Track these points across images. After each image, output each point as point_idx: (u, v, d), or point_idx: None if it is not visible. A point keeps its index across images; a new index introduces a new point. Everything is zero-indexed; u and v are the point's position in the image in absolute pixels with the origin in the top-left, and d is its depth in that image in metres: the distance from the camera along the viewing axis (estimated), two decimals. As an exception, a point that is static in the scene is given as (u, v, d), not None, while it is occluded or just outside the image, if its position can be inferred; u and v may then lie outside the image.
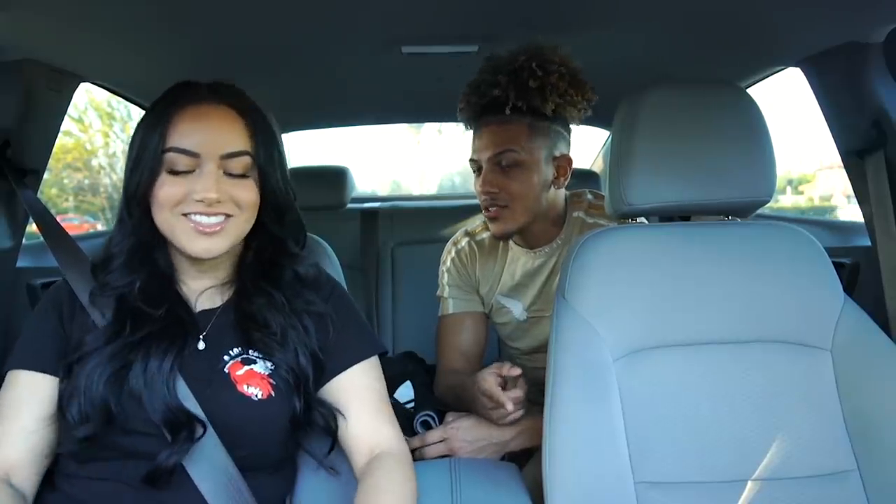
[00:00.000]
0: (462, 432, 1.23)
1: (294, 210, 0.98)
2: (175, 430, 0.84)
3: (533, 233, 1.38)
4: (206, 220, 0.88)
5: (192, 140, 0.88)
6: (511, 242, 1.44)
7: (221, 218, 0.89)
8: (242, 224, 0.92)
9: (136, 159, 0.89)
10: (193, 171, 0.88)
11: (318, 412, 0.93)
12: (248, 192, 0.91)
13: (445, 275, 1.50)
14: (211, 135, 0.88)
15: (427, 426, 1.28)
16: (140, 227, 0.91)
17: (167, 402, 0.85)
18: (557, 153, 1.34)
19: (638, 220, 1.32)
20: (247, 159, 0.90)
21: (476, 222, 1.53)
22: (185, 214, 0.88)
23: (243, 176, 0.90)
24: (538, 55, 1.28)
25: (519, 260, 1.42)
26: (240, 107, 0.92)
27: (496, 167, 1.33)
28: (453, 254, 1.50)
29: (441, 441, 1.23)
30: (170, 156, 0.88)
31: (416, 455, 1.22)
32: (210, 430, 0.87)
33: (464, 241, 1.49)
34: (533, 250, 1.40)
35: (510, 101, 1.28)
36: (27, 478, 0.88)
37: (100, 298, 0.91)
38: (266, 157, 0.92)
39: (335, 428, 0.94)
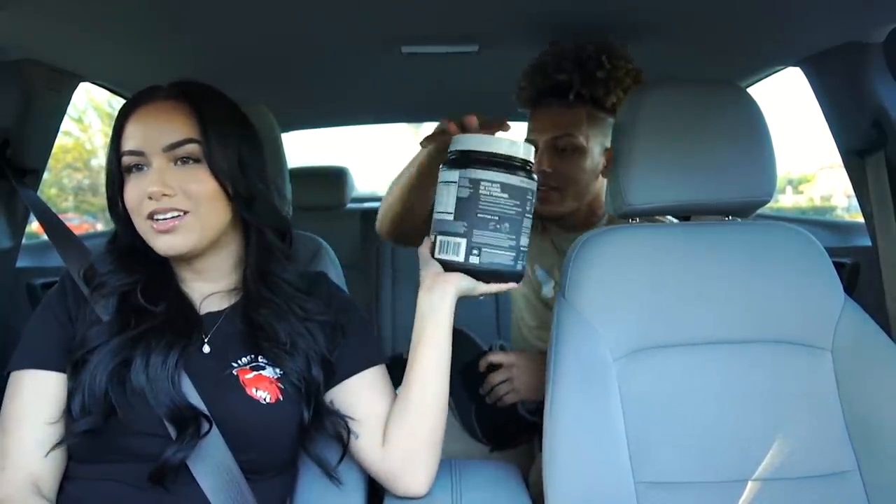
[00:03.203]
0: (527, 360, 1.31)
1: (265, 198, 0.95)
2: (181, 427, 0.84)
3: (575, 218, 1.40)
4: (161, 217, 0.88)
5: (135, 139, 0.89)
6: (550, 224, 1.45)
7: (176, 214, 0.87)
8: (205, 219, 0.89)
9: (107, 171, 0.92)
10: (147, 168, 0.89)
11: (328, 420, 0.93)
12: (198, 183, 0.88)
13: None
14: (152, 130, 0.88)
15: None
16: (129, 236, 0.92)
17: (172, 398, 0.84)
18: (609, 145, 1.35)
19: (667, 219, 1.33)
20: (192, 147, 0.88)
21: None
22: (148, 218, 0.88)
23: (196, 163, 0.89)
24: (607, 49, 1.32)
25: (560, 243, 1.44)
26: (191, 98, 0.91)
27: (552, 149, 1.35)
28: None
29: (507, 367, 1.31)
30: (124, 160, 0.89)
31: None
32: (214, 428, 0.86)
33: None
34: (570, 234, 1.41)
35: (574, 88, 1.32)
36: (52, 486, 0.88)
37: (101, 297, 0.91)
38: (217, 143, 0.89)
39: (347, 438, 0.94)
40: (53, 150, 1.49)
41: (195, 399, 0.87)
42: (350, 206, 2.40)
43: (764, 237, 1.11)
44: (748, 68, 1.58)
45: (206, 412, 0.86)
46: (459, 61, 1.56)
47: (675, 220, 1.38)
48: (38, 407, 0.88)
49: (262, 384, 0.90)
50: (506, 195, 0.89)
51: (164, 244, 0.88)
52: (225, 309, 0.96)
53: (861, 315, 1.06)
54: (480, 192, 0.88)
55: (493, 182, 0.88)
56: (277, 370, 0.91)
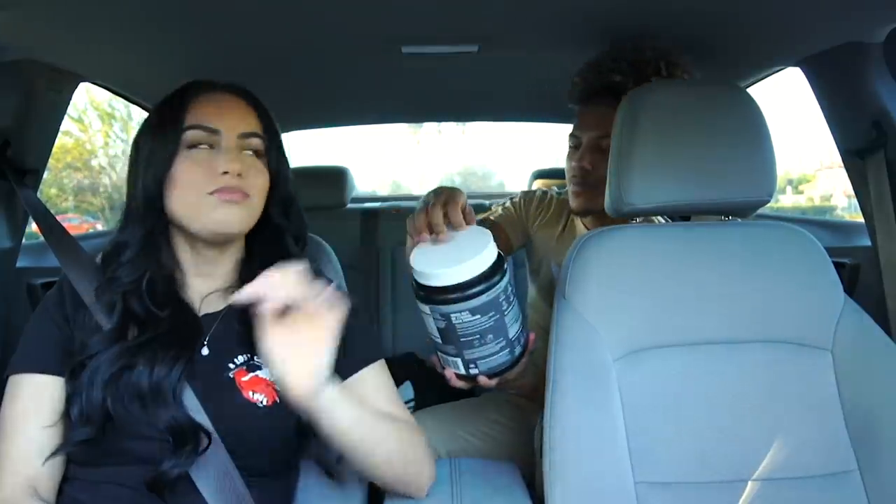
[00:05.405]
0: None
1: (297, 205, 1.00)
2: (180, 441, 0.84)
3: (609, 220, 1.35)
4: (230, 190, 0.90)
5: (210, 117, 0.91)
6: (577, 221, 1.45)
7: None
8: (254, 209, 0.93)
9: (152, 145, 0.90)
10: (213, 148, 0.90)
11: None
12: (261, 176, 0.93)
13: (500, 209, 1.51)
14: (228, 114, 0.92)
15: None
16: (151, 219, 0.91)
17: (173, 413, 0.84)
18: None
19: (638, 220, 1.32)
20: (258, 141, 0.93)
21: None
22: (210, 193, 0.89)
23: (257, 157, 0.93)
24: (666, 56, 1.32)
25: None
26: (249, 98, 0.96)
27: (595, 147, 1.36)
28: (519, 196, 1.52)
29: None
30: (190, 133, 0.90)
31: None
32: (215, 436, 0.86)
33: (538, 193, 1.52)
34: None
35: (628, 90, 1.28)
36: (50, 489, 0.88)
37: (106, 296, 0.90)
38: (275, 144, 0.96)
39: None
40: (53, 151, 1.49)
41: (197, 413, 0.86)
42: (350, 206, 2.39)
43: (764, 237, 1.11)
44: (748, 68, 1.58)
45: (208, 426, 0.86)
46: (459, 61, 1.56)
47: (663, 220, 1.37)
48: (37, 411, 0.88)
49: (258, 387, 0.90)
50: (478, 315, 0.91)
51: (223, 215, 0.89)
52: (222, 309, 0.96)
53: (861, 315, 1.06)
54: (454, 322, 0.92)
55: (461, 312, 0.91)
56: None
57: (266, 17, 1.24)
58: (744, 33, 1.36)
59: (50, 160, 1.50)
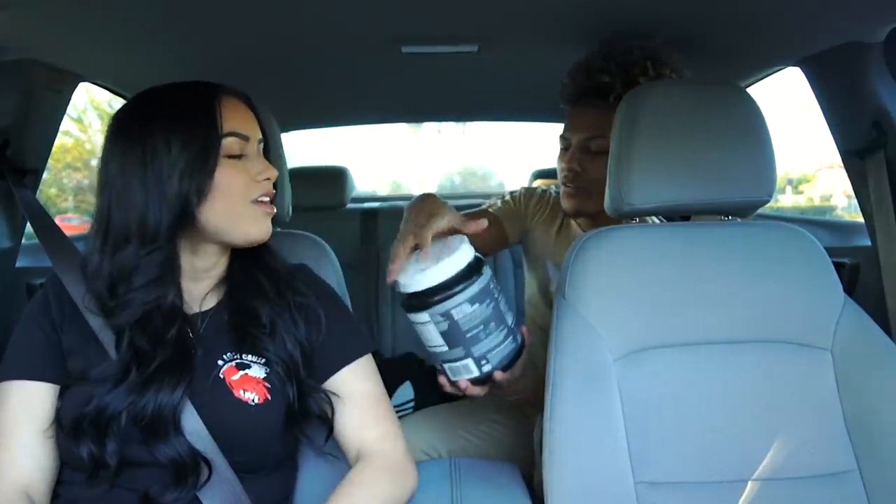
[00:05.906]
0: None
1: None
2: (181, 474, 0.84)
3: (602, 221, 1.35)
4: (265, 200, 0.92)
5: (240, 125, 0.91)
6: (573, 221, 1.45)
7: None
8: None
9: (189, 154, 0.86)
10: (241, 157, 0.90)
11: (312, 399, 0.93)
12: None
13: (499, 202, 1.50)
14: (250, 120, 0.93)
15: None
16: (175, 235, 0.88)
17: (176, 447, 0.84)
18: None
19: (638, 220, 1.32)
20: (264, 145, 0.95)
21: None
22: (253, 202, 0.90)
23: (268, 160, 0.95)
24: (654, 55, 1.32)
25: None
26: (249, 101, 0.96)
27: (584, 149, 1.36)
28: (520, 191, 1.51)
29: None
30: (228, 141, 0.89)
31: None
32: (217, 463, 0.86)
33: (538, 190, 1.51)
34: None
35: (615, 91, 1.31)
36: (44, 492, 0.88)
37: (114, 319, 0.87)
38: (267, 147, 0.98)
39: (331, 414, 0.94)
40: (53, 150, 1.49)
41: (197, 431, 0.86)
42: (350, 206, 2.40)
43: (764, 237, 1.11)
44: (748, 68, 1.58)
45: (208, 453, 0.85)
46: (459, 61, 1.56)
47: (657, 220, 1.37)
48: (27, 417, 0.87)
49: (249, 385, 0.90)
50: (477, 304, 0.93)
51: (266, 225, 0.92)
52: (212, 307, 0.96)
53: (861, 315, 1.06)
54: (456, 318, 0.92)
55: (461, 304, 0.92)
56: (263, 365, 0.91)
57: (266, 17, 1.24)
58: (744, 33, 1.36)
59: (50, 160, 1.50)
